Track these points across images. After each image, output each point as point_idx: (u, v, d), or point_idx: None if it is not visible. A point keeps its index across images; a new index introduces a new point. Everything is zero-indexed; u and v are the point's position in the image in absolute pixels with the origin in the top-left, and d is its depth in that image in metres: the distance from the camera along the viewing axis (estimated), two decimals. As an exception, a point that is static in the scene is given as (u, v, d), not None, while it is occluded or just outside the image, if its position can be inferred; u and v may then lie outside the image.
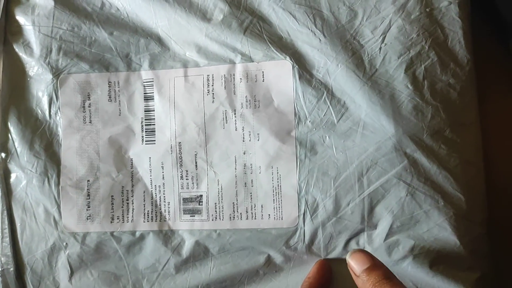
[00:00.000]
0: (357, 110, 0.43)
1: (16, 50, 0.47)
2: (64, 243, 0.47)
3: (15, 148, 0.47)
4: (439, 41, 0.43)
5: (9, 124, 0.47)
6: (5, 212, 0.47)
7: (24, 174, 0.47)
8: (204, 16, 0.45)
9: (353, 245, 0.44)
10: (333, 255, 0.44)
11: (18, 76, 0.47)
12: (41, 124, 0.47)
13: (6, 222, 0.47)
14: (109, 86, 0.47)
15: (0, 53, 0.47)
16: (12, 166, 0.47)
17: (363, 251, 0.37)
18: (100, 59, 0.47)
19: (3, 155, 0.47)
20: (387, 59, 0.43)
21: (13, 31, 0.47)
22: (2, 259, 0.47)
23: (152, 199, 0.46)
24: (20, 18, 0.47)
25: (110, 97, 0.47)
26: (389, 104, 0.43)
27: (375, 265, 0.36)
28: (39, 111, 0.47)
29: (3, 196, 0.47)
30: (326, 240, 0.44)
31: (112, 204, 0.47)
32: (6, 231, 0.47)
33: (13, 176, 0.47)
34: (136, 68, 0.47)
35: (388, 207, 0.43)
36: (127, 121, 0.47)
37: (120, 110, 0.47)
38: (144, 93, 0.47)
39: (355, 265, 0.36)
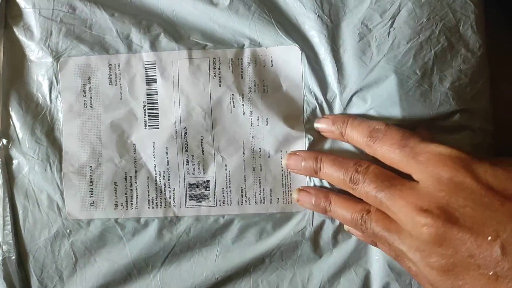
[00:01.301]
0: (364, 96, 0.59)
1: (17, 33, 0.60)
2: (68, 230, 0.62)
3: (17, 134, 0.61)
4: (450, 25, 0.56)
5: (10, 109, 0.60)
6: (7, 199, 0.60)
7: (26, 161, 0.61)
8: (210, 1, 0.60)
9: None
10: (340, 241, 0.61)
11: (18, 60, 0.60)
12: (42, 109, 0.61)
13: (8, 209, 0.60)
14: (109, 69, 0.61)
15: (1, 37, 0.60)
16: (13, 152, 0.61)
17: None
18: (100, 41, 0.61)
19: (4, 141, 0.61)
20: (395, 44, 0.57)
21: (14, 15, 0.60)
22: (3, 247, 0.60)
23: (156, 185, 0.61)
24: (20, 1, 0.60)
25: (110, 80, 0.61)
26: (396, 90, 0.56)
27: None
28: (40, 96, 0.61)
29: (4, 183, 0.60)
30: (335, 225, 0.59)
31: (116, 190, 0.62)
32: (8, 218, 0.60)
33: (15, 163, 0.61)
34: (137, 49, 0.60)
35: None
36: (129, 105, 0.61)
37: (121, 93, 0.61)
38: (146, 76, 0.61)
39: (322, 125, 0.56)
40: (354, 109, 0.57)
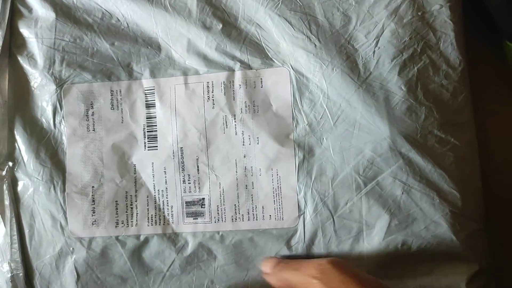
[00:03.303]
0: (353, 112, 0.52)
1: (21, 62, 0.57)
2: (71, 248, 0.56)
3: (22, 157, 0.56)
4: (431, 43, 0.52)
5: (15, 133, 0.57)
6: (14, 219, 0.56)
7: (31, 182, 0.56)
8: (204, 25, 0.54)
9: (353, 244, 0.52)
10: (332, 255, 0.53)
11: (23, 87, 0.57)
12: (46, 133, 0.56)
13: (15, 228, 0.56)
14: (111, 95, 0.56)
15: (6, 66, 0.57)
16: (19, 174, 0.57)
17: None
18: (102, 69, 0.56)
19: (10, 163, 0.57)
20: (380, 62, 0.52)
21: (18, 44, 0.57)
22: (12, 264, 0.56)
23: (155, 203, 0.56)
24: (24, 31, 0.57)
25: (112, 105, 0.56)
26: (383, 106, 0.52)
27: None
28: (44, 121, 0.57)
29: (11, 203, 0.56)
30: (326, 240, 0.53)
31: (117, 209, 0.56)
32: (15, 237, 0.56)
33: (20, 184, 0.57)
34: (138, 76, 0.56)
35: (385, 206, 0.52)
36: (130, 128, 0.56)
37: (122, 117, 0.56)
38: (146, 101, 0.56)
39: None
40: (343, 124, 0.53)
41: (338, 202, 0.53)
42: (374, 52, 0.52)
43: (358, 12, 0.53)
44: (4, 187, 0.57)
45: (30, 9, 0.57)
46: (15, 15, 0.57)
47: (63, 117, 0.57)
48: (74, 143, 0.57)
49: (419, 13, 0.52)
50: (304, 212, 0.53)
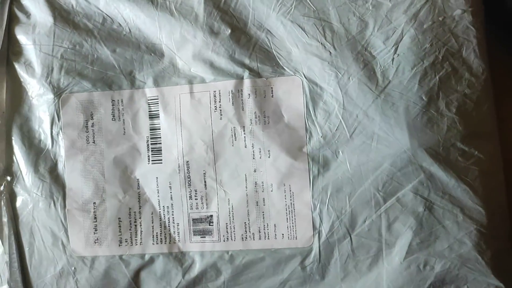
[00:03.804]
0: (371, 124, 0.48)
1: (18, 70, 0.53)
2: (73, 268, 0.52)
3: (20, 171, 0.53)
4: (453, 50, 0.48)
5: (13, 146, 0.53)
6: (13, 236, 0.53)
7: (30, 198, 0.53)
8: (211, 30, 0.50)
9: (372, 264, 0.48)
10: (350, 276, 0.49)
11: (20, 97, 0.53)
12: (44, 145, 0.53)
13: (14, 246, 0.53)
14: (112, 105, 0.52)
15: (4, 74, 0.53)
16: (18, 189, 0.53)
17: None
18: (102, 77, 0.52)
19: (8, 178, 0.53)
20: (400, 70, 0.48)
21: (15, 51, 0.53)
22: (11, 284, 0.53)
23: (160, 220, 0.52)
24: (21, 38, 0.53)
25: (113, 116, 0.52)
26: (403, 117, 0.47)
27: None
28: (42, 132, 0.53)
29: (9, 220, 0.53)
30: (343, 260, 0.49)
31: (120, 226, 0.52)
32: (15, 256, 0.53)
33: (19, 200, 0.53)
34: (140, 85, 0.52)
35: (406, 223, 0.48)
36: (132, 140, 0.52)
37: (124, 129, 0.52)
38: (149, 111, 0.52)
39: None
40: (360, 137, 0.49)
41: (356, 220, 0.49)
42: (393, 59, 0.48)
43: (375, 17, 0.49)
44: (2, 203, 0.53)
45: (28, 14, 0.53)
46: (12, 21, 0.53)
47: (60, 129, 0.53)
48: (73, 156, 0.53)
49: (440, 18, 0.48)
50: (319, 231, 0.49)
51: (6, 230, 0.53)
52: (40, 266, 0.53)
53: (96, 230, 0.52)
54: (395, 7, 0.48)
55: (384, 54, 0.48)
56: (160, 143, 0.52)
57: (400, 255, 0.48)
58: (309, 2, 0.49)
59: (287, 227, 0.50)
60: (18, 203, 0.53)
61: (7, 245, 0.53)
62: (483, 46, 0.49)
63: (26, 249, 0.53)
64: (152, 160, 0.52)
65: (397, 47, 0.48)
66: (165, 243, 0.52)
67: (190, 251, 0.52)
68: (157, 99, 0.52)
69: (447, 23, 0.48)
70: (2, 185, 0.53)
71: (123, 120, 0.52)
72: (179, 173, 0.52)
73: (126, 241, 0.52)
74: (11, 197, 0.53)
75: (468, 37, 0.48)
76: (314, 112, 0.50)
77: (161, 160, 0.52)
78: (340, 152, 0.49)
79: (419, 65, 0.48)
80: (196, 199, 0.51)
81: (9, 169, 0.53)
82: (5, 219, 0.53)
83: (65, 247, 0.53)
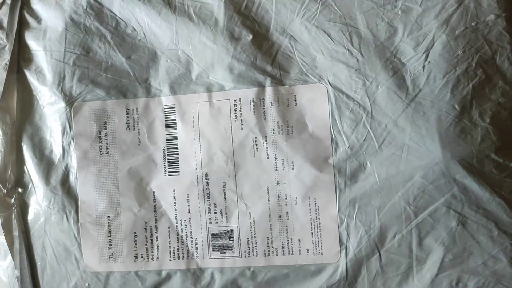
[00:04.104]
0: (400, 134, 0.45)
1: (29, 77, 0.50)
2: (87, 284, 0.50)
3: (32, 183, 0.50)
4: (486, 57, 0.46)
5: (24, 156, 0.50)
6: (24, 250, 0.50)
7: (42, 211, 0.50)
8: (231, 35, 0.47)
9: (401, 282, 0.45)
10: (378, 292, 0.46)
11: (31, 105, 0.51)
12: (56, 156, 0.50)
13: (26, 261, 0.50)
14: (127, 114, 0.49)
15: (14, 82, 0.50)
16: (29, 202, 0.51)
17: None
18: (117, 84, 0.49)
19: (20, 190, 0.50)
20: (431, 78, 0.45)
21: (25, 58, 0.51)
22: None
23: (177, 235, 0.49)
24: (32, 43, 0.50)
25: (128, 125, 0.49)
26: (435, 127, 0.45)
27: None
28: (53, 143, 0.50)
29: (20, 233, 0.50)
30: (371, 277, 0.46)
31: (135, 241, 0.49)
32: (26, 271, 0.50)
33: (31, 213, 0.51)
34: (156, 93, 0.49)
35: (438, 239, 0.45)
36: (148, 151, 0.50)
37: (139, 139, 0.49)
38: (165, 120, 0.49)
39: None
40: (390, 147, 0.46)
41: (385, 235, 0.46)
42: (423, 66, 0.46)
43: (405, 22, 0.46)
44: (13, 216, 0.50)
45: (39, 19, 0.50)
46: (23, 26, 0.51)
47: (72, 139, 0.50)
48: (85, 168, 0.50)
49: (473, 24, 0.45)
50: (346, 246, 0.47)
51: (17, 244, 0.50)
52: (52, 282, 0.50)
53: (110, 245, 0.49)
54: (426, 12, 0.46)
55: (415, 61, 0.46)
56: (177, 153, 0.49)
57: (431, 272, 0.46)
58: (335, 7, 0.47)
59: (312, 242, 0.47)
60: (30, 216, 0.51)
61: (18, 259, 0.50)
62: (518, 52, 0.46)
63: (38, 264, 0.50)
64: (168, 172, 0.49)
65: (428, 53, 0.46)
66: (182, 259, 0.49)
67: (209, 267, 0.49)
68: (174, 107, 0.49)
69: (480, 28, 0.46)
70: (13, 197, 0.50)
71: (138, 129, 0.50)
72: (197, 185, 0.49)
73: (142, 257, 0.49)
74: (23, 209, 0.51)
75: (502, 44, 0.46)
76: (340, 121, 0.47)
77: (178, 171, 0.49)
78: (368, 164, 0.46)
79: (451, 73, 0.45)
80: (215, 212, 0.49)
81: (20, 180, 0.51)
82: (16, 233, 0.50)
83: (78, 262, 0.50)
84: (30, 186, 0.50)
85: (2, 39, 0.50)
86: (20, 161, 0.51)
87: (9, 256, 0.50)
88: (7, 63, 0.49)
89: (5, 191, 0.50)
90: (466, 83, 0.45)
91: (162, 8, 0.49)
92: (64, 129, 0.50)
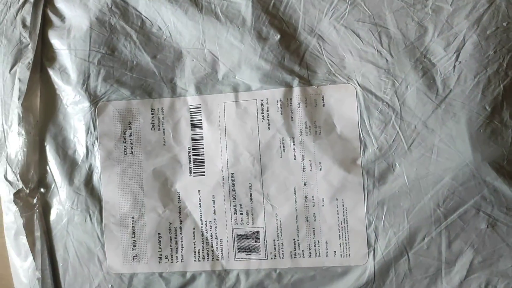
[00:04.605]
0: (430, 135, 0.44)
1: (53, 77, 0.49)
2: (110, 285, 0.49)
3: (55, 183, 0.49)
4: (517, 57, 0.44)
5: (47, 157, 0.49)
6: (46, 251, 0.49)
7: (65, 211, 0.49)
8: (259, 35, 0.46)
9: (430, 284, 0.44)
10: (406, 295, 0.45)
11: (55, 105, 0.50)
12: (79, 156, 0.49)
13: (47, 262, 0.49)
14: (152, 114, 0.48)
15: (38, 81, 0.49)
16: (52, 202, 0.50)
17: None
18: (142, 84, 0.48)
19: (42, 190, 0.49)
20: (462, 78, 0.44)
21: (49, 57, 0.50)
22: None
23: (202, 236, 0.48)
24: (56, 42, 0.49)
25: (153, 125, 0.48)
26: (465, 128, 0.44)
27: None
28: (77, 142, 0.49)
29: (42, 234, 0.49)
30: (399, 280, 0.45)
31: (160, 242, 0.48)
32: (47, 272, 0.49)
33: (53, 213, 0.50)
34: (182, 93, 0.48)
35: (467, 241, 0.44)
36: (173, 151, 0.49)
37: (164, 139, 0.48)
38: (191, 121, 0.48)
39: None
40: (419, 149, 0.45)
41: (414, 237, 0.45)
42: (454, 67, 0.45)
43: (435, 22, 0.45)
44: (35, 216, 0.49)
45: (62, 18, 0.49)
46: (46, 25, 0.50)
47: (96, 138, 0.49)
48: (109, 168, 0.49)
49: (504, 24, 0.44)
50: (374, 248, 0.46)
51: (38, 245, 0.49)
52: (74, 283, 0.49)
53: (134, 246, 0.48)
54: (456, 12, 0.45)
55: (445, 62, 0.45)
56: (203, 154, 0.48)
57: (460, 275, 0.45)
58: (364, 7, 0.46)
59: (340, 244, 0.46)
60: (52, 217, 0.50)
61: (39, 260, 0.49)
62: (549, 53, 0.45)
63: (60, 265, 0.49)
64: (194, 172, 0.48)
65: (459, 54, 0.45)
66: (207, 260, 0.48)
67: (234, 269, 0.48)
68: (200, 107, 0.48)
69: (511, 28, 0.44)
70: (35, 197, 0.49)
71: (163, 129, 0.49)
72: (223, 186, 0.48)
73: (166, 258, 0.48)
74: (45, 210, 0.50)
75: (534, 44, 0.45)
76: (369, 122, 0.46)
77: (204, 172, 0.48)
78: (397, 165, 0.45)
79: (482, 73, 0.44)
80: (241, 213, 0.48)
81: (43, 180, 0.49)
82: (37, 234, 0.49)
83: (101, 264, 0.49)
84: (53, 186, 0.49)
85: (26, 37, 0.49)
86: (43, 161, 0.50)
87: (30, 257, 0.49)
88: (30, 62, 0.48)
89: (28, 191, 0.49)
90: (497, 83, 0.44)
91: (189, 7, 0.48)
92: (88, 128, 0.49)
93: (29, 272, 0.49)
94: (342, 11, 0.46)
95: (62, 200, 0.49)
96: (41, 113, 0.49)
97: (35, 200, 0.49)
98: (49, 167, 0.49)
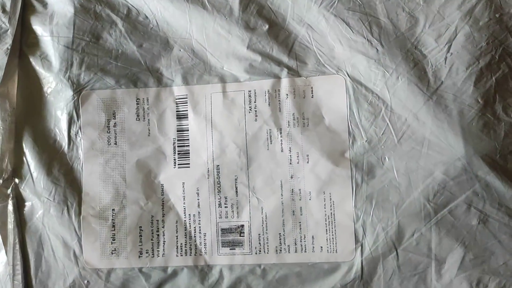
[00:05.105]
0: (421, 128, 0.43)
1: (33, 63, 0.47)
2: (86, 281, 0.46)
3: (31, 173, 0.46)
4: (510, 50, 0.43)
5: (24, 146, 0.47)
6: (17, 245, 0.46)
7: (40, 203, 0.46)
8: (247, 25, 0.44)
9: (419, 282, 0.42)
10: (395, 293, 0.43)
11: (34, 92, 0.47)
12: (60, 146, 0.47)
13: (19, 257, 0.46)
14: (137, 104, 0.46)
15: (16, 67, 0.47)
16: (26, 193, 0.47)
17: None
18: (127, 73, 0.46)
19: (16, 180, 0.47)
20: (453, 70, 0.43)
21: (30, 43, 0.47)
22: None
23: (185, 230, 0.46)
24: (37, 28, 0.47)
25: (138, 115, 0.46)
26: (457, 121, 0.42)
27: None
28: (58, 132, 0.47)
29: (15, 227, 0.46)
30: (387, 277, 0.43)
31: (141, 236, 0.46)
32: (18, 267, 0.46)
33: (27, 205, 0.47)
34: (168, 83, 0.46)
35: (458, 237, 0.43)
36: (157, 142, 0.47)
37: (149, 130, 0.46)
38: (177, 111, 0.46)
39: None
40: (409, 142, 0.43)
41: (403, 233, 0.43)
42: (445, 58, 0.43)
43: (426, 12, 0.44)
44: (9, 208, 0.46)
45: (44, 4, 0.47)
46: (27, 10, 0.47)
47: (80, 128, 0.47)
48: (92, 159, 0.47)
49: (497, 15, 0.43)
50: (362, 244, 0.44)
51: (11, 238, 0.46)
52: (47, 280, 0.46)
53: (114, 240, 0.46)
54: (448, 2, 0.43)
55: (436, 53, 0.43)
56: (188, 145, 0.46)
57: (450, 272, 0.43)
58: (355, -4, 0.44)
59: (327, 239, 0.44)
60: (26, 209, 0.47)
61: (11, 255, 0.46)
62: (543, 45, 0.44)
63: (32, 260, 0.46)
64: (178, 164, 0.46)
65: (450, 45, 0.43)
66: (190, 255, 0.46)
67: (218, 264, 0.46)
68: (186, 98, 0.46)
69: (504, 20, 0.43)
70: (9, 188, 0.47)
71: (148, 120, 0.47)
72: (208, 178, 0.46)
73: (147, 252, 0.46)
74: (18, 202, 0.47)
75: (527, 36, 0.43)
76: (358, 114, 0.44)
77: (189, 164, 0.46)
78: (387, 158, 0.44)
79: (474, 65, 0.43)
80: (226, 207, 0.45)
81: (18, 170, 0.47)
82: (10, 226, 0.46)
83: (77, 258, 0.46)
84: (28, 177, 0.47)
85: (5, 23, 0.47)
86: (18, 150, 0.47)
87: (3, 251, 0.46)
88: (9, 47, 0.46)
89: (1, 181, 0.46)
90: (490, 76, 0.43)
91: (175, -5, 0.46)
92: (71, 118, 0.47)
93: (1, 267, 0.47)
94: (332, -1, 0.44)
95: (38, 191, 0.46)
96: (19, 100, 0.47)
97: (9, 191, 0.46)
98: (25, 156, 0.47)
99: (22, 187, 0.47)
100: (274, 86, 0.45)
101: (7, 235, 0.46)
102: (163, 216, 0.46)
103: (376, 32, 0.44)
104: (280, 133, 0.45)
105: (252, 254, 0.45)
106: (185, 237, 0.46)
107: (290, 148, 0.45)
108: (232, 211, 0.45)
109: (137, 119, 0.47)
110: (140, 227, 0.46)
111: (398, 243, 0.43)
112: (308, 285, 0.44)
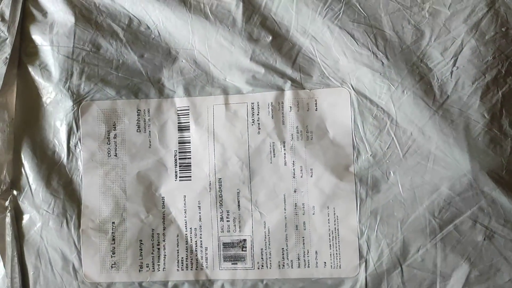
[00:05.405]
0: (426, 143, 0.42)
1: (32, 73, 0.46)
2: (85, 296, 0.44)
3: (29, 185, 0.45)
4: (517, 64, 0.42)
5: (22, 157, 0.46)
6: (16, 258, 0.45)
7: (39, 215, 0.45)
8: (250, 36, 0.43)
9: (424, 298, 0.41)
10: (399, 309, 0.42)
11: (33, 103, 0.46)
12: (59, 157, 0.45)
13: (17, 270, 0.45)
14: (138, 115, 0.45)
15: (15, 77, 0.46)
16: (25, 205, 0.46)
17: None
18: (128, 84, 0.45)
19: (14, 192, 0.45)
20: (459, 84, 0.42)
21: (29, 52, 0.46)
22: None
23: (187, 244, 0.45)
24: (37, 38, 0.46)
25: (139, 127, 0.45)
26: (463, 136, 0.41)
27: None
28: (57, 143, 0.46)
29: (13, 239, 0.45)
30: (392, 292, 0.42)
31: (141, 249, 0.45)
32: (17, 280, 0.45)
33: (25, 217, 0.46)
34: (169, 94, 0.45)
35: (464, 254, 0.42)
36: (158, 154, 0.46)
37: (150, 141, 0.45)
38: (178, 123, 0.45)
39: None
40: (415, 156, 0.42)
41: (408, 249, 0.42)
42: (451, 72, 0.42)
43: (432, 25, 0.43)
44: (7, 220, 0.45)
45: (44, 13, 0.46)
46: (27, 19, 0.46)
47: (79, 139, 0.45)
48: (91, 170, 0.45)
49: (503, 29, 0.42)
50: (366, 260, 0.43)
51: (9, 250, 0.45)
52: (46, 293, 0.45)
53: (113, 253, 0.45)
54: (454, 16, 0.42)
55: (442, 67, 0.42)
56: (190, 158, 0.45)
57: (456, 289, 0.42)
58: (359, 8, 0.43)
59: (330, 254, 0.43)
60: (25, 221, 0.46)
61: (9, 267, 0.45)
62: (550, 60, 0.43)
63: (30, 273, 0.45)
64: (180, 177, 0.45)
65: (456, 59, 0.42)
66: (191, 269, 0.45)
67: (219, 279, 0.44)
68: (188, 109, 0.45)
69: (510, 34, 0.42)
70: (7, 200, 0.45)
71: (149, 131, 0.45)
72: (209, 191, 0.45)
73: (147, 266, 0.45)
74: (17, 214, 0.46)
75: (533, 50, 0.42)
76: (363, 128, 0.43)
77: (190, 176, 0.45)
78: (392, 173, 0.43)
79: (481, 80, 0.42)
80: (228, 221, 0.44)
81: (16, 182, 0.46)
82: (8, 239, 0.45)
83: (76, 272, 0.45)
84: (26, 189, 0.45)
85: (4, 31, 0.45)
86: (17, 161, 0.46)
87: (1, 264, 0.45)
88: (8, 56, 0.45)
89: (-1, 193, 0.45)
90: (496, 90, 0.42)
91: (177, 5, 0.45)
92: (71, 129, 0.45)
93: (-1, 280, 0.46)
94: (336, 11, 0.43)
95: (37, 203, 0.45)
96: (18, 110, 0.46)
97: (7, 203, 0.45)
98: (23, 168, 0.45)
99: (20, 199, 0.45)
100: (278, 98, 0.44)
101: (5, 248, 0.45)
102: (164, 229, 0.45)
103: (382, 45, 0.43)
104: (284, 146, 0.44)
105: (254, 269, 0.44)
106: (186, 251, 0.45)
107: (293, 161, 0.44)
108: (234, 225, 0.44)
109: (138, 130, 0.46)
110: (141, 240, 0.45)
111: (403, 259, 0.42)
112: (311, 301, 0.43)
